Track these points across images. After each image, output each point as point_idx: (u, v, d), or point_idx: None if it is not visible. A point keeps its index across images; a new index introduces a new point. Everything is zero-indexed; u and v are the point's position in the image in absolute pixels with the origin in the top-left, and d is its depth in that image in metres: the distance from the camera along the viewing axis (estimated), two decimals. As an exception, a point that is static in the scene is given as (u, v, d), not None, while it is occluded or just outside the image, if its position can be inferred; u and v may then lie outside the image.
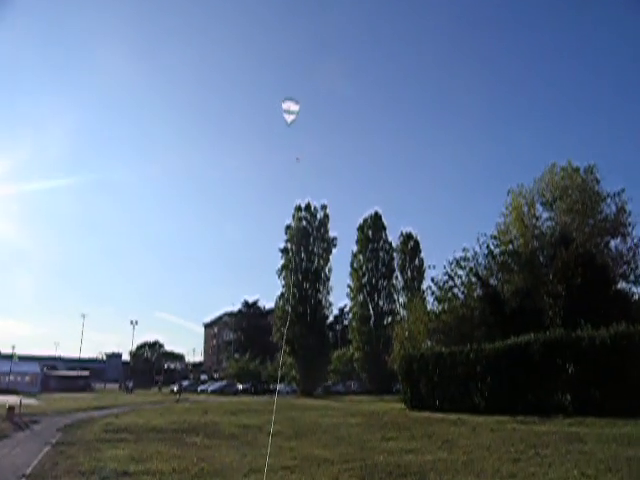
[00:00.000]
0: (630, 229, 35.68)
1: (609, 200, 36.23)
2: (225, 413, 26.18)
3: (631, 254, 35.57)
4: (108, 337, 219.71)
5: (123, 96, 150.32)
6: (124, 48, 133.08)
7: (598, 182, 36.74)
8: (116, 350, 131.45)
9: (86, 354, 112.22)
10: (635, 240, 35.48)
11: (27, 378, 71.88)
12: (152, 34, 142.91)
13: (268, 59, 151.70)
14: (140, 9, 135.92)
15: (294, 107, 20.59)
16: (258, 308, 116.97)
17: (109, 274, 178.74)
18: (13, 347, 79.64)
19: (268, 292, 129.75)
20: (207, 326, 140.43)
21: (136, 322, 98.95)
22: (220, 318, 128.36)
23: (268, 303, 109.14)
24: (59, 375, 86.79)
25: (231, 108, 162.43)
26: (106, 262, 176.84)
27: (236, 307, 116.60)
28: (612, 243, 36.24)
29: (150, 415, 24.03)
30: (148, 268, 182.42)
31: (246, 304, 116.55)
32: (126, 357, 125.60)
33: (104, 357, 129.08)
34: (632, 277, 35.33)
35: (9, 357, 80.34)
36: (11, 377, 67.93)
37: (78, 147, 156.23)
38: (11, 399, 31.54)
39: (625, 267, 35.56)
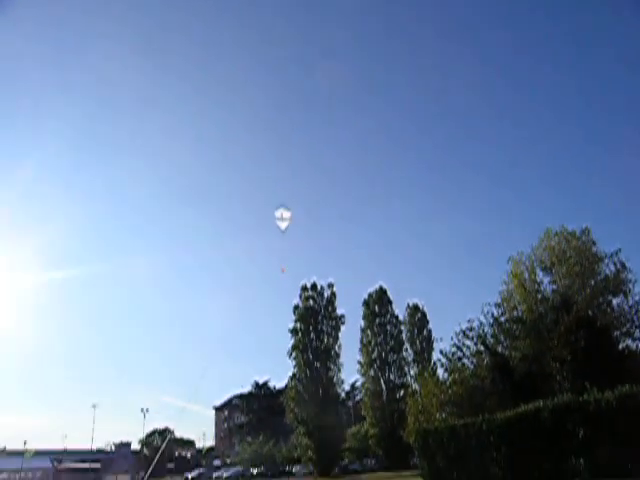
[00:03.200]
0: (631, 286, 36.29)
1: (607, 260, 36.94)
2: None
3: (634, 311, 36.07)
4: (115, 426, 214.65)
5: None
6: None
7: (594, 244, 37.64)
8: (124, 439, 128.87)
9: (92, 444, 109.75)
10: (637, 297, 35.93)
11: (38, 474, 70.87)
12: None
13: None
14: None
15: (286, 214, 22.34)
16: (269, 388, 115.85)
17: (115, 362, 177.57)
18: (25, 442, 78.65)
19: (278, 372, 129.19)
20: (217, 409, 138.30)
21: (147, 409, 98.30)
22: (230, 401, 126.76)
23: (278, 383, 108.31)
24: (70, 468, 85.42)
25: (232, 194, 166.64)
26: (112, 350, 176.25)
27: (246, 389, 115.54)
28: (614, 302, 36.61)
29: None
30: (155, 353, 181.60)
31: (256, 385, 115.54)
32: (135, 446, 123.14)
33: (112, 447, 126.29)
34: (637, 334, 35.72)
35: (17, 453, 79.28)
36: (22, 474, 67.04)
37: (86, 239, 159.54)
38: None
39: (628, 325, 36.03)
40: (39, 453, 77.15)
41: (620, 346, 33.28)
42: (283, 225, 20.93)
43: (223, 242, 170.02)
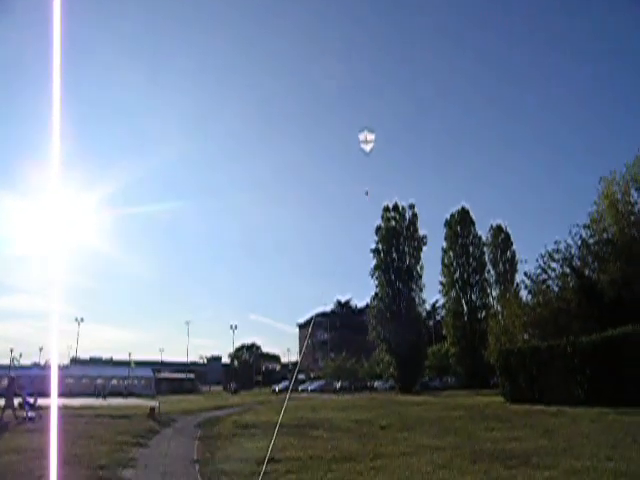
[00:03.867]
0: None
1: None
2: (334, 410, 28.14)
3: None
4: (206, 342, 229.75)
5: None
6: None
7: (695, 162, 35.56)
8: (216, 354, 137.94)
9: (186, 358, 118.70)
10: None
11: (143, 382, 77.97)
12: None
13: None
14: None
15: (370, 136, 22.32)
16: (350, 307, 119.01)
17: (206, 282, 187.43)
18: (130, 354, 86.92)
19: (360, 291, 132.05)
20: (301, 327, 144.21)
21: (235, 326, 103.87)
22: (313, 319, 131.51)
23: (360, 302, 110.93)
24: (169, 378, 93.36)
25: (316, 119, 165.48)
26: (200, 272, 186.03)
27: (328, 307, 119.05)
28: None
29: (267, 413, 26.33)
30: (241, 273, 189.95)
31: (339, 304, 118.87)
32: (225, 360, 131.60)
33: (205, 361, 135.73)
34: None
35: (122, 363, 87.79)
36: (128, 381, 74.13)
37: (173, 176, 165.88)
38: (139, 401, 35.14)
39: None
40: (140, 363, 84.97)
41: None
42: (368, 147, 21.14)
43: (307, 168, 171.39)
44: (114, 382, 73.80)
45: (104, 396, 52.91)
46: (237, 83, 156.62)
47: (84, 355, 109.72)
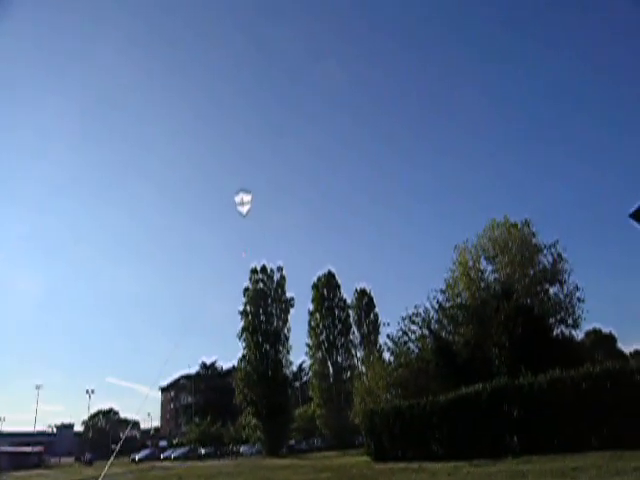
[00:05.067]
0: (566, 276, 38.64)
1: (545, 251, 39.17)
2: (200, 478, 27.08)
3: (568, 300, 38.38)
4: (58, 408, 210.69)
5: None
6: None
7: (534, 235, 39.83)
8: (67, 421, 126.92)
9: (31, 427, 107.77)
10: (571, 287, 38.38)
11: (-26, 458, 69.08)
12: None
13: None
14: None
15: (247, 198, 22.69)
16: (216, 369, 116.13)
17: (57, 343, 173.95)
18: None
19: (225, 353, 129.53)
20: (164, 390, 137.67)
21: (92, 391, 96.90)
22: (177, 381, 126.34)
23: (226, 364, 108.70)
24: (10, 452, 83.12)
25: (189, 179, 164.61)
26: (49, 332, 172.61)
27: (193, 369, 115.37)
28: (551, 291, 38.92)
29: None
30: (98, 331, 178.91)
31: (204, 365, 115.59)
32: (78, 428, 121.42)
33: (54, 430, 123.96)
34: (570, 321, 38.14)
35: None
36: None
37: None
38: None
39: (563, 313, 38.37)
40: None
41: (554, 332, 35.56)
42: (244, 209, 21.41)
43: (177, 223, 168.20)
44: None
45: None
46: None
47: None
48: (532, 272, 38.68)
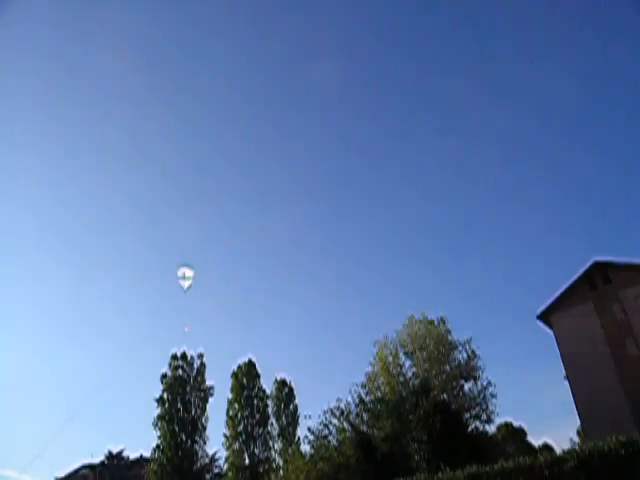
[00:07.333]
0: (480, 372, 40.74)
1: (460, 348, 41.41)
2: None
3: (482, 396, 40.28)
4: None
5: None
6: None
7: (450, 332, 42.21)
8: None
9: None
10: (484, 383, 40.48)
11: None
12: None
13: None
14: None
15: (189, 273, 23.21)
16: (122, 458, 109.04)
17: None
18: None
19: (133, 442, 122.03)
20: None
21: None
22: (77, 471, 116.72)
23: (133, 453, 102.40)
24: None
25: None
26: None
27: (97, 458, 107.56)
28: (466, 387, 40.79)
29: None
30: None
31: (110, 455, 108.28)
32: None
33: None
34: (484, 417, 39.83)
35: None
36: None
37: None
38: None
39: (477, 408, 40.12)
40: None
41: (470, 428, 37.08)
42: (186, 284, 21.71)
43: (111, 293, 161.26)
44: None
45: None
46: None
47: None
48: (448, 368, 40.65)
